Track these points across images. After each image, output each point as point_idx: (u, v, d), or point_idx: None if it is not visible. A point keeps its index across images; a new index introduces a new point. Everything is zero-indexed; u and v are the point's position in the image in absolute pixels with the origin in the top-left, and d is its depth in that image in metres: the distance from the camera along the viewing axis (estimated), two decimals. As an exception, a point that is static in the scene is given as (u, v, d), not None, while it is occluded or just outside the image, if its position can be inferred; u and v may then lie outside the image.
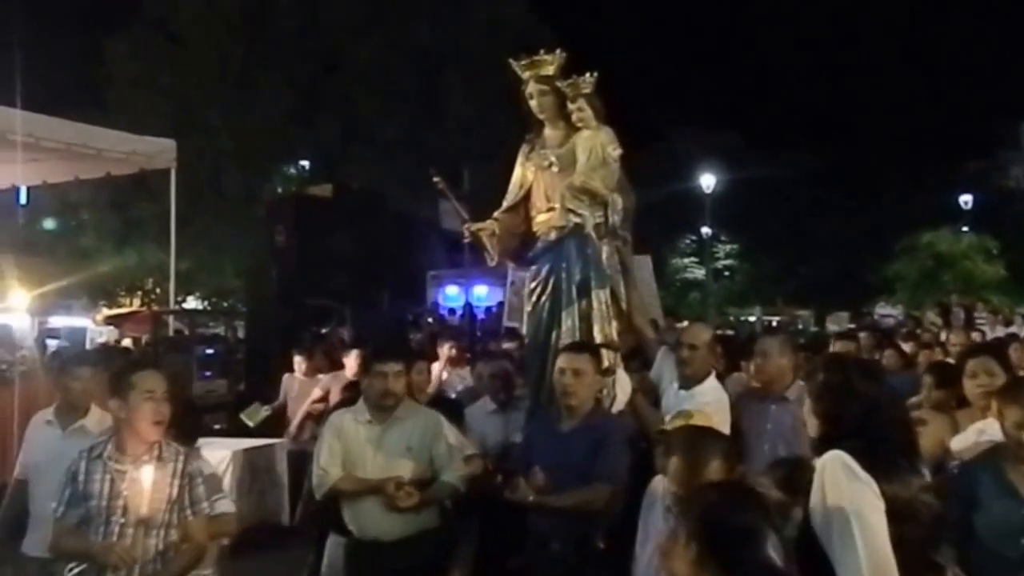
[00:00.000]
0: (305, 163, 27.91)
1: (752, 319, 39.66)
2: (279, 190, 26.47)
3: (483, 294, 23.83)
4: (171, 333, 14.86)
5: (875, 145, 39.94)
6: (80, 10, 27.20)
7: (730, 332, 24.36)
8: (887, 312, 31.56)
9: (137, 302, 26.74)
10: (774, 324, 36.81)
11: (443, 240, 21.92)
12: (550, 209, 6.11)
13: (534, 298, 6.14)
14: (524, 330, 6.73)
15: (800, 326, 31.84)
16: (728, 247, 43.26)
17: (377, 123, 25.56)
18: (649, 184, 40.33)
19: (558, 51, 6.17)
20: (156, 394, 4.34)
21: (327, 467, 5.31)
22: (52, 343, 17.32)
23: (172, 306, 15.51)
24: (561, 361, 5.25)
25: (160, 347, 13.46)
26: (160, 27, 25.74)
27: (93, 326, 22.45)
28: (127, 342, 17.83)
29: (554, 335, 5.94)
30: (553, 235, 6.08)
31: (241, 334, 16.16)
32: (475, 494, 5.54)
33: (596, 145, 5.98)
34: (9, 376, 8.80)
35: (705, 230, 41.39)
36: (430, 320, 15.61)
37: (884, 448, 3.39)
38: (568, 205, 5.97)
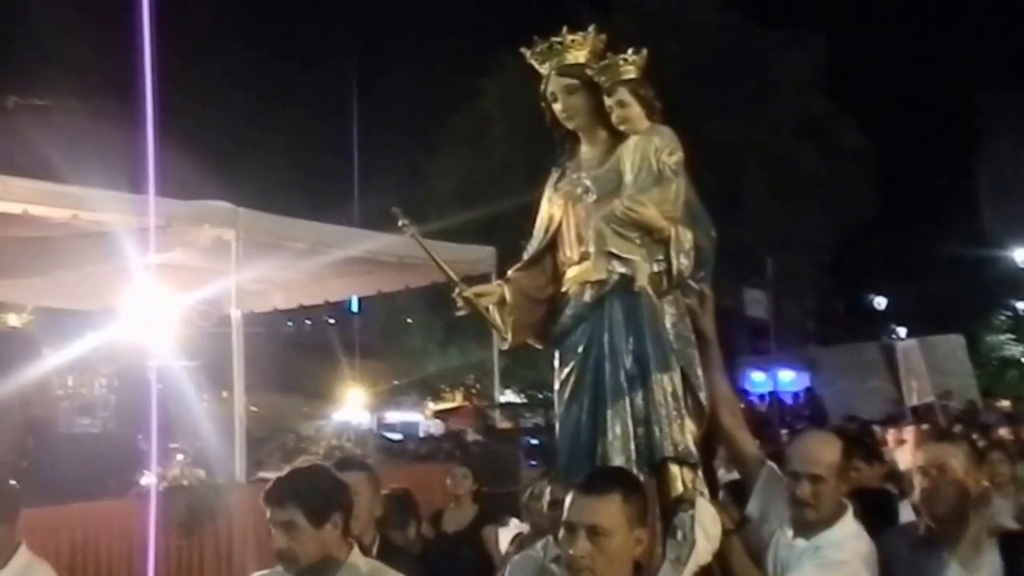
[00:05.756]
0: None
1: (1079, 399, 37.09)
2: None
3: (789, 379, 23.87)
4: (497, 425, 16.01)
5: None
6: (400, 135, 29.92)
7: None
8: None
9: (459, 396, 28.33)
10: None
11: (747, 327, 22.34)
12: (584, 257, 4.06)
13: (566, 393, 4.02)
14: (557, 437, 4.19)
15: None
16: (1049, 321, 40.89)
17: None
18: (959, 261, 39.12)
19: (591, 28, 4.18)
20: None
21: None
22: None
23: (496, 400, 16.57)
24: (569, 510, 3.15)
25: (491, 439, 14.58)
26: (472, 142, 27.61)
27: (424, 420, 24.37)
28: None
29: (599, 448, 3.85)
30: (588, 295, 4.01)
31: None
32: None
33: (648, 154, 3.96)
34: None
35: (1021, 305, 39.49)
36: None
37: None
38: (609, 247, 3.94)
